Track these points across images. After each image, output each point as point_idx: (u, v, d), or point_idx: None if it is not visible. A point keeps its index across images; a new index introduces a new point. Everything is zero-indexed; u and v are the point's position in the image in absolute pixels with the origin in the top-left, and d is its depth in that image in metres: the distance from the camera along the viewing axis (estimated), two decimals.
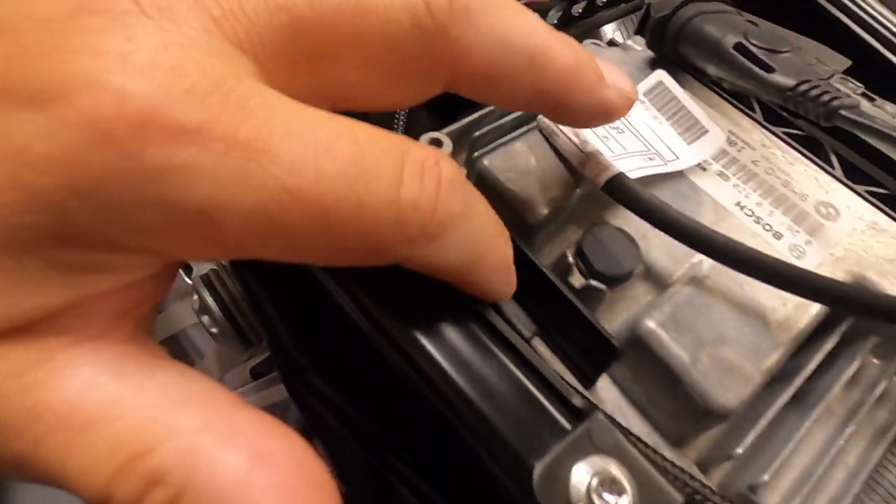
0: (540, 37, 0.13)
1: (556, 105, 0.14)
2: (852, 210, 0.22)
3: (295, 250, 0.11)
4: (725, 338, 0.18)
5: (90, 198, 0.09)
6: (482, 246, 0.12)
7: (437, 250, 0.11)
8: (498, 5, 0.13)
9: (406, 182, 0.11)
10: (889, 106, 0.26)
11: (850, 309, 0.17)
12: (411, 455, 0.21)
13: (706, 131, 0.22)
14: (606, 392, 0.20)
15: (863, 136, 0.19)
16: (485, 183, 0.22)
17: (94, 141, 0.09)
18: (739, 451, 0.17)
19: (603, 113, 0.15)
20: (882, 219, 0.22)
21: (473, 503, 0.18)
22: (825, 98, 0.19)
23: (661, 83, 0.24)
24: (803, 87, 0.20)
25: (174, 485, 0.10)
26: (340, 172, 0.10)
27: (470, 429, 0.14)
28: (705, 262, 0.20)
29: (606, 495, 0.12)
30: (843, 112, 0.19)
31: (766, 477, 0.17)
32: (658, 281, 0.20)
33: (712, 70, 0.23)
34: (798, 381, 0.19)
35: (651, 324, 0.18)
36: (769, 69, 0.21)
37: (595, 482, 0.12)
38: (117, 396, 0.10)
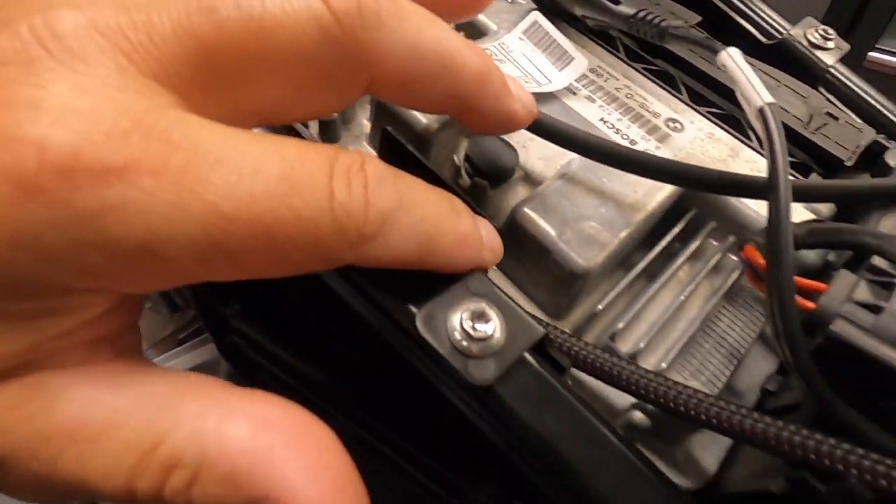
0: (451, 43, 0.14)
1: (465, 109, 0.15)
2: (695, 124, 0.26)
3: (244, 270, 0.11)
4: (586, 216, 0.21)
5: (29, 249, 0.09)
6: (429, 230, 0.12)
7: (382, 248, 0.12)
8: (408, 12, 0.13)
9: (336, 190, 0.11)
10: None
11: (684, 182, 0.21)
12: (341, 378, 0.23)
13: (573, 59, 0.26)
14: (496, 280, 0.23)
15: (686, 53, 0.23)
16: (385, 108, 0.25)
17: (22, 194, 0.09)
18: (600, 307, 0.21)
19: (507, 120, 0.16)
20: (717, 131, 0.27)
21: (404, 418, 0.20)
22: (657, 21, 0.23)
23: (535, 22, 0.27)
24: (641, 14, 0.23)
25: (189, 465, 0.10)
26: (274, 191, 0.10)
27: (376, 305, 0.16)
28: (574, 163, 0.23)
29: (477, 325, 0.15)
30: (671, 31, 0.23)
31: (620, 325, 0.20)
32: (534, 181, 0.23)
33: (578, 10, 0.27)
34: (650, 257, 0.23)
35: (525, 209, 0.21)
36: (616, 2, 0.24)
37: (466, 316, 0.15)
38: (117, 406, 0.11)
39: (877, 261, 0.17)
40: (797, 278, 0.18)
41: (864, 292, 0.16)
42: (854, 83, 0.32)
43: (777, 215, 0.16)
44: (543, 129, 0.22)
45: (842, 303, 0.16)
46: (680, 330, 0.21)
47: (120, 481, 0.10)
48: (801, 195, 0.20)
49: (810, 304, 0.17)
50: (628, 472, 0.15)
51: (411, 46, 0.13)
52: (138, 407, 0.11)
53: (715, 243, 0.24)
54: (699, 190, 0.21)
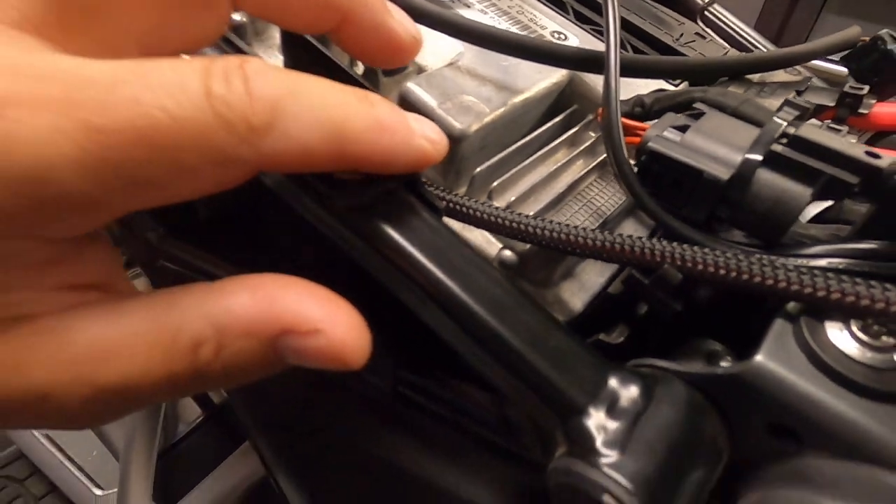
0: None
1: (343, 21, 0.15)
2: (577, 37, 0.29)
3: (145, 189, 0.11)
4: (467, 92, 0.24)
5: None
6: (334, 116, 0.12)
7: (283, 139, 0.12)
8: None
9: (213, 87, 0.11)
10: None
11: (547, 59, 0.24)
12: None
13: None
14: None
15: None
16: None
17: None
18: (478, 170, 0.23)
19: (388, 41, 0.15)
20: (597, 42, 0.30)
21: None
22: None
23: None
24: None
25: (211, 338, 0.12)
26: (142, 97, 0.11)
27: None
28: (464, 56, 0.26)
29: None
30: None
31: (495, 184, 0.23)
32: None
33: None
34: (531, 136, 0.25)
35: (408, 84, 0.23)
36: None
37: None
38: (127, 323, 0.12)
39: (699, 105, 0.20)
40: (631, 122, 0.20)
41: (679, 121, 0.19)
42: (728, 18, 0.36)
43: (607, 69, 0.19)
44: (432, 18, 0.24)
45: (661, 129, 0.19)
46: (551, 192, 0.23)
47: (159, 374, 0.12)
48: (634, 68, 0.23)
49: (638, 140, 0.19)
50: (502, 293, 0.17)
51: None
52: (146, 317, 0.12)
53: (592, 134, 0.27)
54: (559, 66, 0.24)
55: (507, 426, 0.21)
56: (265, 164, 0.12)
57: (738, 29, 0.36)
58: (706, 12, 0.36)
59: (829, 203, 0.21)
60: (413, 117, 0.14)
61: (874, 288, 0.14)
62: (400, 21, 0.16)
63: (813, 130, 0.16)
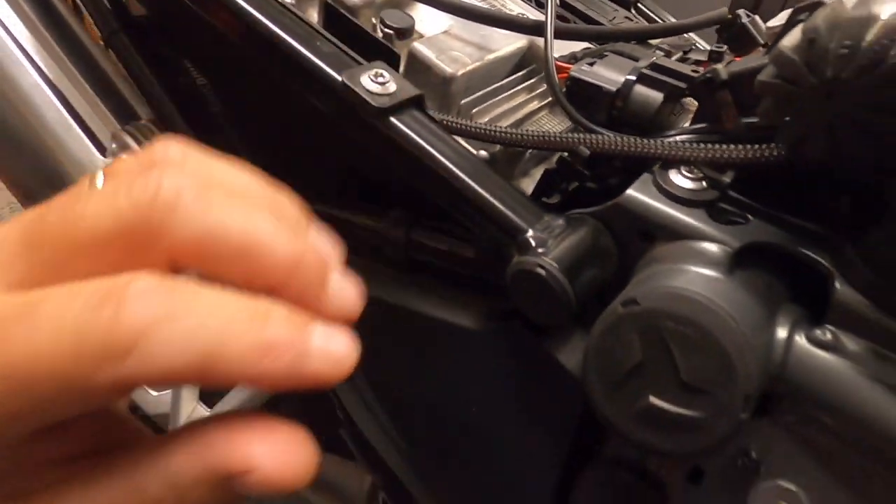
0: (259, 230, 0.13)
1: (272, 293, 0.14)
2: (535, 17, 0.40)
3: (15, 420, 0.12)
4: (456, 50, 0.34)
5: None
6: (209, 337, 0.12)
7: (142, 364, 0.11)
8: (216, 201, 0.13)
9: (78, 317, 0.11)
10: None
11: (507, 25, 0.34)
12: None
13: None
14: None
15: None
16: None
17: None
18: (463, 102, 0.33)
19: (320, 311, 0.14)
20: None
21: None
22: None
23: None
24: None
25: (169, 495, 0.13)
26: (12, 336, 0.11)
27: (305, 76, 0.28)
28: (452, 27, 0.36)
29: (378, 78, 0.27)
30: None
31: (474, 111, 0.33)
32: None
33: None
34: (500, 83, 0.36)
35: (415, 44, 0.34)
36: None
37: (372, 73, 0.27)
38: (101, 500, 0.13)
39: (607, 53, 0.31)
40: (562, 63, 0.31)
41: (592, 61, 0.29)
42: (656, 11, 0.47)
43: (546, 33, 0.30)
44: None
45: (580, 66, 0.29)
46: (514, 118, 0.34)
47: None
48: (565, 33, 0.33)
49: (566, 75, 0.30)
50: (477, 167, 0.28)
51: (206, 230, 0.13)
52: (116, 488, 0.13)
53: (545, 85, 0.38)
54: (519, 31, 0.34)
55: (489, 262, 0.31)
56: (127, 385, 0.12)
57: (662, 18, 0.47)
58: (638, 4, 0.47)
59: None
60: (324, 333, 0.13)
61: (692, 147, 0.25)
62: (338, 294, 0.15)
63: (665, 60, 0.27)
